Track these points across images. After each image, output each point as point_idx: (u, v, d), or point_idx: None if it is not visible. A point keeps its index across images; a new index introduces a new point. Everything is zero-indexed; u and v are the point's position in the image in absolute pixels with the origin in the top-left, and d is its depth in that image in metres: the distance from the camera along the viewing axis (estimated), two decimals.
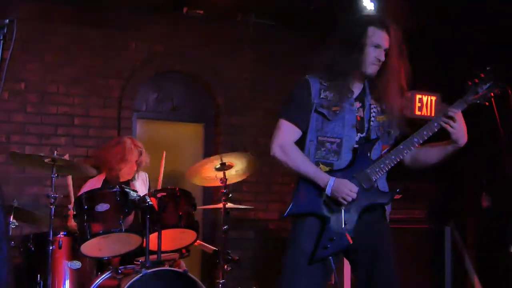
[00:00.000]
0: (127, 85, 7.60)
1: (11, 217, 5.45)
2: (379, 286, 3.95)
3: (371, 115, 4.03)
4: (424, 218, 6.86)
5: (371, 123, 4.02)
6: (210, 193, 7.83)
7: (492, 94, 3.91)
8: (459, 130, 3.85)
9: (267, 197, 7.98)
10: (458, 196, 7.42)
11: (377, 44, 3.97)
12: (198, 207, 5.68)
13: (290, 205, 3.93)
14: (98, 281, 5.27)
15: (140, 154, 6.39)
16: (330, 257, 3.87)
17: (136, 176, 6.44)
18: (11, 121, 7.04)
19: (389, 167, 3.91)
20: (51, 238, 5.23)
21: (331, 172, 3.90)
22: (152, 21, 7.62)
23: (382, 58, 3.98)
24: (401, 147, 3.90)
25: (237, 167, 5.93)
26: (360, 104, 4.04)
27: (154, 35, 7.74)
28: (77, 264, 5.42)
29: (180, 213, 5.31)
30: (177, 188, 5.49)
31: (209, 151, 8.00)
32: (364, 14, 4.24)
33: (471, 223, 7.40)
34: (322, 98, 3.98)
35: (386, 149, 4.03)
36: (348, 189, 3.80)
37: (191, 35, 7.91)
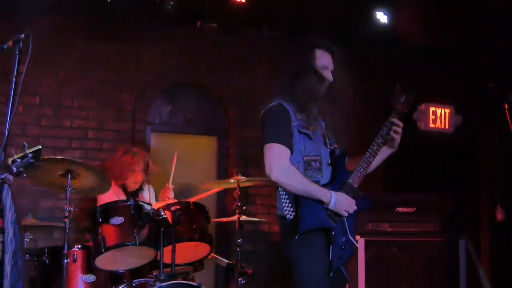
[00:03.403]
0: (141, 98, 7.63)
1: (26, 231, 5.47)
2: None
3: (327, 130, 4.34)
4: (438, 231, 6.82)
5: (330, 138, 4.32)
6: (224, 206, 7.83)
7: (407, 103, 4.31)
8: (400, 138, 4.28)
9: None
10: (473, 209, 7.40)
11: (325, 66, 4.30)
12: (211, 220, 5.68)
13: (299, 225, 4.00)
14: None
15: (147, 164, 6.40)
16: (342, 267, 4.10)
17: (144, 186, 6.45)
18: (25, 134, 7.07)
19: (364, 174, 4.17)
20: (65, 251, 5.23)
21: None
22: (166, 35, 7.65)
23: (331, 79, 4.28)
24: (368, 155, 4.19)
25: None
26: (319, 122, 4.29)
27: (168, 49, 7.76)
28: (91, 278, 5.42)
29: (194, 227, 5.31)
30: (191, 202, 5.50)
31: (222, 163, 8.01)
32: (310, 39, 4.43)
33: (486, 236, 7.37)
34: (299, 120, 4.17)
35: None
36: (349, 202, 4.07)
37: (205, 48, 7.93)
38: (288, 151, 4.10)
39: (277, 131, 4.16)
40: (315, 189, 4.03)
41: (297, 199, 4.04)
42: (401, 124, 4.24)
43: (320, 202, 4.03)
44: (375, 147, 4.19)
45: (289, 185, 4.06)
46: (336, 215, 4.06)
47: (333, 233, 4.04)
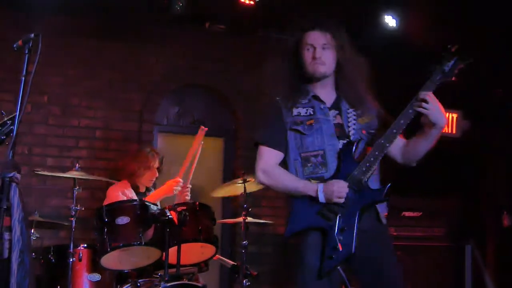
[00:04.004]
0: (148, 98, 7.64)
1: (32, 229, 5.49)
2: None
3: (350, 119, 3.98)
4: (444, 236, 6.82)
5: (353, 126, 3.96)
6: (230, 208, 7.84)
7: (457, 70, 3.82)
8: (434, 110, 3.73)
9: (286, 212, 7.95)
10: (479, 214, 7.39)
11: (310, 44, 4.01)
12: (217, 222, 5.68)
13: (288, 225, 3.94)
14: None
15: (161, 160, 6.44)
16: (339, 268, 3.77)
17: (151, 188, 6.46)
18: (33, 133, 7.10)
19: (375, 163, 3.81)
20: (71, 250, 5.25)
21: (322, 182, 3.86)
22: (174, 35, 7.67)
23: (318, 55, 3.97)
24: (382, 141, 3.79)
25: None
26: (337, 112, 4.00)
27: (176, 49, 7.78)
28: (97, 277, 5.44)
29: (200, 227, 5.31)
30: (197, 202, 5.49)
31: (230, 165, 8.02)
32: (297, 25, 4.23)
33: (492, 242, 7.36)
34: (295, 115, 3.98)
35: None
36: (336, 187, 3.75)
37: (213, 50, 7.94)
38: (275, 151, 4.01)
39: (263, 131, 4.11)
40: (298, 185, 3.88)
41: (289, 201, 3.96)
42: (428, 98, 3.73)
43: (312, 198, 3.82)
44: (394, 130, 3.78)
45: (272, 186, 4.03)
46: (331, 211, 3.78)
47: (327, 233, 3.77)
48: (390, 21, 7.10)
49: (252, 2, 6.87)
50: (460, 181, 7.34)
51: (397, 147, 3.94)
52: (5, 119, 3.60)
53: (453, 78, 3.81)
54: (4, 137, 3.52)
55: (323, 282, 3.78)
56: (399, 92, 4.33)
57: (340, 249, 3.73)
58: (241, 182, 5.99)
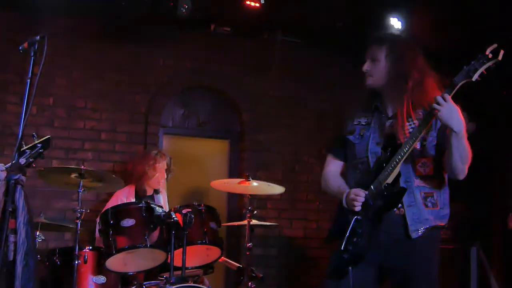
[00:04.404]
0: (154, 100, 7.65)
1: (38, 231, 5.49)
2: None
3: (406, 130, 3.86)
4: (449, 238, 6.81)
5: (405, 136, 3.84)
6: (235, 210, 7.83)
7: (485, 71, 3.78)
8: (446, 112, 3.63)
9: (291, 214, 7.97)
10: (484, 216, 7.38)
11: (369, 58, 4.04)
12: (222, 224, 5.68)
13: (328, 232, 4.06)
14: None
15: (170, 162, 6.45)
16: (350, 268, 3.75)
17: (161, 189, 6.46)
18: (39, 135, 7.04)
19: (396, 167, 3.75)
20: (76, 252, 5.26)
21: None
22: (180, 38, 7.67)
23: (365, 68, 4.02)
24: (404, 145, 3.75)
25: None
26: (394, 122, 3.95)
27: (182, 52, 7.79)
28: (102, 279, 5.43)
29: (205, 230, 5.31)
30: (202, 205, 5.49)
31: (235, 167, 8.02)
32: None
33: (497, 244, 7.34)
34: (355, 124, 4.08)
35: (421, 162, 3.88)
36: (353, 194, 3.81)
37: (218, 52, 7.95)
38: (335, 160, 4.22)
39: (330, 141, 4.34)
40: (336, 189, 4.04)
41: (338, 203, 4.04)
42: (441, 99, 3.63)
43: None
44: (415, 131, 3.73)
45: (326, 191, 4.20)
46: (353, 215, 3.80)
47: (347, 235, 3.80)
48: (395, 23, 7.09)
49: (257, 5, 6.87)
50: (466, 184, 7.32)
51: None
52: (36, 142, 3.62)
53: (476, 78, 3.78)
54: (32, 159, 3.54)
55: (340, 283, 3.79)
56: None
57: (352, 250, 3.76)
58: (245, 184, 5.97)
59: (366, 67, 4.04)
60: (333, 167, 4.21)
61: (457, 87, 3.74)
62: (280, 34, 7.89)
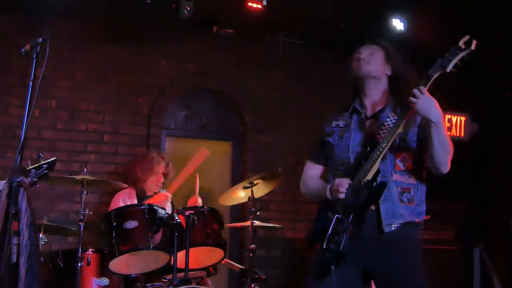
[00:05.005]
0: (156, 102, 7.65)
1: (41, 233, 5.50)
2: None
3: (385, 127, 3.87)
4: (453, 240, 6.81)
5: (384, 133, 3.84)
6: (238, 212, 7.83)
7: (459, 62, 3.81)
8: (422, 104, 3.64)
9: (294, 216, 7.96)
10: (488, 217, 7.37)
11: (357, 54, 4.07)
12: (225, 225, 5.68)
13: (308, 236, 4.08)
14: None
15: (167, 165, 6.45)
16: (333, 267, 3.71)
17: (161, 192, 6.46)
18: (41, 137, 7.11)
19: (375, 163, 3.75)
20: (80, 254, 5.26)
21: None
22: (182, 40, 7.67)
23: (362, 56, 4.02)
24: (381, 140, 3.76)
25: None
26: (374, 120, 3.97)
27: (184, 54, 7.79)
28: (105, 281, 5.44)
29: (208, 231, 5.32)
30: (205, 206, 5.50)
31: (237, 169, 8.02)
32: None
33: (500, 245, 7.33)
34: (333, 127, 4.09)
35: (401, 157, 3.87)
36: (336, 184, 3.81)
37: (221, 54, 7.95)
38: (313, 164, 4.24)
39: (310, 146, 4.34)
40: (320, 188, 4.04)
41: (319, 205, 4.05)
42: (417, 91, 3.65)
43: (328, 202, 3.88)
44: (392, 126, 3.75)
45: (306, 194, 4.25)
46: (334, 213, 3.78)
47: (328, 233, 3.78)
48: (397, 24, 7.09)
49: (260, 6, 6.87)
50: (469, 185, 7.33)
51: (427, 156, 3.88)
52: (42, 162, 3.62)
53: (451, 69, 3.78)
54: (37, 179, 3.54)
55: (322, 283, 3.75)
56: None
57: (333, 249, 3.72)
58: (248, 185, 5.99)
59: (363, 54, 4.03)
60: (313, 171, 4.24)
61: (432, 79, 3.76)
62: (283, 36, 7.88)
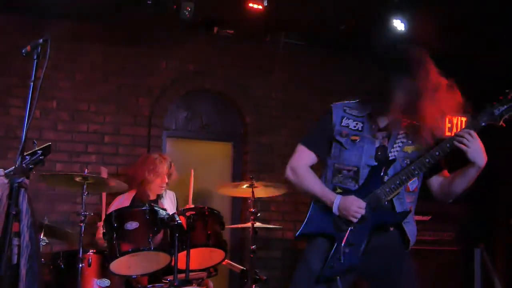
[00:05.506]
0: (157, 103, 7.65)
1: (42, 234, 5.50)
2: None
3: (397, 145, 3.94)
4: (453, 240, 6.81)
5: (395, 152, 3.92)
6: (238, 212, 7.83)
7: (507, 116, 3.85)
8: (474, 149, 3.75)
9: (295, 217, 7.95)
10: (488, 218, 7.37)
11: None
12: (226, 226, 5.68)
13: (302, 226, 3.99)
14: None
15: (170, 166, 6.44)
16: (338, 277, 3.76)
17: (164, 194, 6.45)
18: (42, 138, 7.10)
19: (400, 187, 3.82)
20: (80, 255, 5.25)
21: (345, 193, 3.89)
22: (183, 41, 7.68)
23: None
24: (412, 167, 3.81)
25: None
26: (385, 134, 3.97)
27: (185, 54, 7.79)
28: (106, 282, 5.43)
29: (209, 232, 5.31)
30: (206, 207, 5.49)
31: (238, 169, 8.02)
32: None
33: (501, 245, 7.33)
34: (343, 126, 3.99)
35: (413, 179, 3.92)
36: (356, 206, 3.78)
37: (221, 55, 7.96)
38: (311, 154, 4.07)
39: (309, 134, 4.20)
40: (318, 190, 3.96)
41: (310, 203, 4.04)
42: (469, 136, 3.74)
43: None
44: (427, 159, 3.79)
45: (296, 184, 4.11)
46: (344, 223, 3.82)
47: (335, 241, 3.81)
48: (398, 25, 7.08)
49: (260, 7, 6.86)
50: (466, 190, 7.32)
51: (438, 181, 4.00)
52: (36, 148, 3.62)
53: (501, 123, 3.84)
54: (32, 166, 3.53)
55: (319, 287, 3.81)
56: None
57: (343, 261, 3.75)
58: (248, 186, 5.99)
59: None
60: (306, 159, 4.09)
61: (482, 125, 3.84)
62: (283, 37, 7.88)
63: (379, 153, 3.92)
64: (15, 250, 3.34)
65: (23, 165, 3.42)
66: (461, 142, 3.74)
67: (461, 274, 6.83)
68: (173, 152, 7.72)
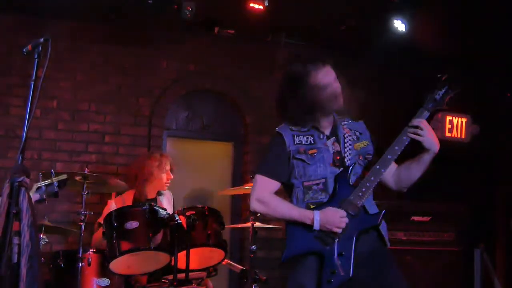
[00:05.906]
0: (158, 103, 7.66)
1: (42, 233, 5.50)
2: None
3: (347, 145, 4.02)
4: (453, 241, 6.80)
5: (349, 152, 4.00)
6: (238, 212, 7.83)
7: (448, 98, 3.94)
8: (428, 137, 3.86)
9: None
10: (488, 218, 7.37)
11: (328, 78, 4.27)
12: (226, 226, 5.68)
13: (285, 251, 4.02)
14: None
15: (171, 162, 6.43)
16: None
17: (162, 192, 6.44)
18: (42, 138, 7.12)
19: (371, 189, 3.87)
20: (80, 255, 5.26)
21: (318, 207, 3.87)
22: (184, 41, 7.68)
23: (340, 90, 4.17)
24: (377, 167, 3.87)
25: None
26: (334, 138, 4.05)
27: (185, 54, 7.80)
28: (105, 282, 5.44)
29: (209, 232, 5.32)
30: (206, 207, 5.50)
31: (238, 169, 8.02)
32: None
33: (501, 246, 7.33)
34: (297, 143, 4.00)
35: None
36: (338, 217, 3.79)
37: (222, 55, 7.96)
38: (271, 181, 4.02)
39: (263, 161, 4.14)
40: (294, 214, 3.91)
41: (287, 226, 4.02)
42: (422, 125, 3.84)
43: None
44: (390, 156, 3.87)
45: (268, 214, 4.11)
46: (328, 236, 3.80)
47: (325, 257, 3.79)
48: (399, 25, 7.09)
49: (261, 7, 6.87)
50: (469, 186, 7.33)
51: (389, 173, 4.03)
52: (54, 179, 3.60)
53: (444, 106, 3.94)
54: (45, 196, 3.53)
55: None
56: (407, 95, 4.34)
57: (341, 273, 3.74)
58: (249, 186, 6.00)
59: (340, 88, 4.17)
60: (268, 188, 4.04)
61: (429, 112, 3.93)
62: (284, 37, 7.88)
63: (337, 158, 3.98)
64: (16, 249, 3.34)
65: (38, 194, 3.42)
66: (416, 133, 3.85)
67: (461, 274, 6.83)
68: (174, 152, 7.71)
